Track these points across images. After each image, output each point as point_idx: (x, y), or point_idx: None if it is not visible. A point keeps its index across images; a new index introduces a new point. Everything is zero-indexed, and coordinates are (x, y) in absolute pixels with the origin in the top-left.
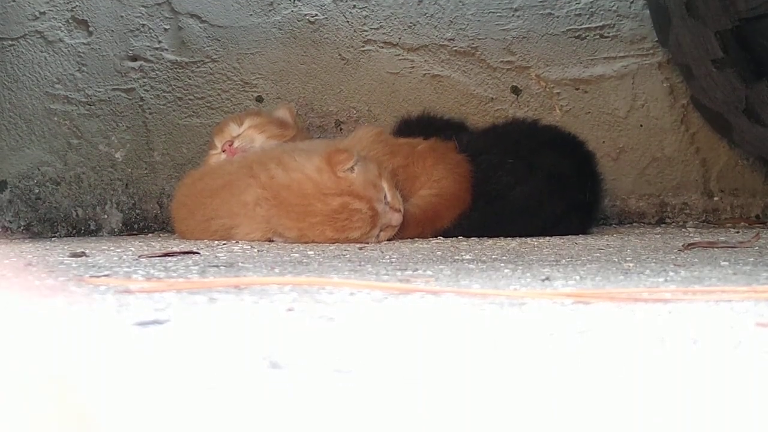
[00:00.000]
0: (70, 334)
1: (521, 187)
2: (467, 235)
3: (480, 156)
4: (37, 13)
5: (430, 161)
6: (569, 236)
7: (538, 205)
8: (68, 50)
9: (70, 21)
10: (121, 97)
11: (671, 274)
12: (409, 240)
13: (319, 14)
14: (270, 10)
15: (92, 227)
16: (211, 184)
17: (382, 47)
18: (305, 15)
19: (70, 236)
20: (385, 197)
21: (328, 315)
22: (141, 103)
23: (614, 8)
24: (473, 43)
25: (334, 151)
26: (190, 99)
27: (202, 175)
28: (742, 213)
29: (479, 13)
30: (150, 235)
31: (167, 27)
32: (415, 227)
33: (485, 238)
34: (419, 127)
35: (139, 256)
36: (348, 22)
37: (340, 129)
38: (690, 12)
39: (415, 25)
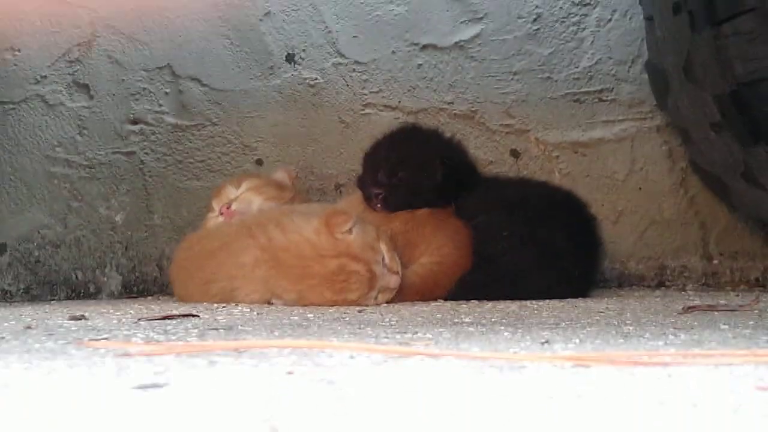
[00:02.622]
0: (69, 397)
1: (510, 257)
2: (464, 298)
3: (478, 217)
4: (38, 77)
5: (430, 228)
6: (569, 299)
7: (526, 277)
8: (69, 114)
9: (72, 85)
10: (122, 160)
11: (671, 337)
12: (408, 302)
13: (319, 78)
14: (270, 74)
15: (92, 290)
16: (209, 247)
17: (382, 110)
18: (305, 79)
19: (70, 299)
20: (383, 259)
21: (327, 378)
22: (141, 166)
23: (613, 72)
24: (472, 107)
25: (332, 212)
26: (190, 162)
27: (200, 238)
28: (741, 276)
29: (478, 76)
30: (149, 297)
31: (168, 91)
32: (413, 295)
33: (484, 301)
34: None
35: (139, 319)
36: (348, 85)
37: (340, 192)
38: (688, 76)
39: (414, 88)
